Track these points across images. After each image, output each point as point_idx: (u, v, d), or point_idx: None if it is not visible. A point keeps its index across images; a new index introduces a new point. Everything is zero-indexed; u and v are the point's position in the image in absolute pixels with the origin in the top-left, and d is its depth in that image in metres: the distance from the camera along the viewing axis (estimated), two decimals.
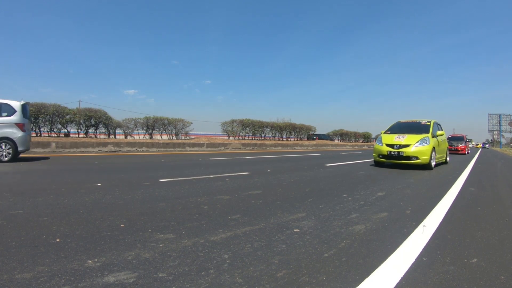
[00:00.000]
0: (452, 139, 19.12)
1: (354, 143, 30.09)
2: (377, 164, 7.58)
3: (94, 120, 14.07)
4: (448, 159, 9.12)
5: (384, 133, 7.99)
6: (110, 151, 10.61)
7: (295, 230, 2.08)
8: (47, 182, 3.67)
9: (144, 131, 16.39)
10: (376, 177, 5.19)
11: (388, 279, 1.37)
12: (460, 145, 18.17)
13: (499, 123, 57.43)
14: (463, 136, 20.10)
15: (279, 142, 20.09)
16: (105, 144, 10.87)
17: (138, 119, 16.40)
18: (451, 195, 3.61)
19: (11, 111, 6.52)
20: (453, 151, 16.96)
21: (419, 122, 8.00)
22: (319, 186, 4.05)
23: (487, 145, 58.55)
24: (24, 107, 6.75)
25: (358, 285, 1.31)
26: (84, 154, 9.04)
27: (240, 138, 19.99)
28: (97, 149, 10.45)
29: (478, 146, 58.99)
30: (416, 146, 6.80)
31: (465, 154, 17.45)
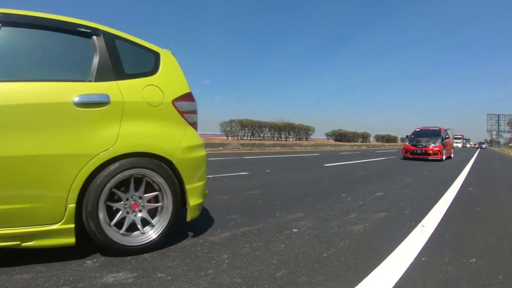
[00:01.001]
0: (419, 134, 11.41)
1: (353, 143, 30.11)
2: None
3: None
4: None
5: None
6: None
7: (294, 230, 2.08)
8: None
9: None
10: (375, 177, 5.20)
11: (387, 279, 1.37)
12: (433, 145, 10.22)
13: (498, 123, 57.59)
14: (439, 129, 11.42)
15: (278, 142, 20.09)
16: None
17: None
18: (450, 195, 3.61)
19: None
20: (419, 156, 10.28)
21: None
22: (317, 186, 4.05)
23: (484, 145, 55.57)
24: None
25: (357, 285, 1.32)
26: None
27: (239, 138, 19.99)
28: None
29: (475, 146, 58.20)
30: None
31: (441, 160, 10.09)
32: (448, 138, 11.84)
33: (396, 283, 1.34)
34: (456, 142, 55.47)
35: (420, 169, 7.11)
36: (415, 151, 10.48)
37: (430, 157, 10.09)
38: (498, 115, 57.67)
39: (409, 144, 10.86)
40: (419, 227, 2.22)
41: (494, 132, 61.58)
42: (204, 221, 2.24)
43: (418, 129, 11.95)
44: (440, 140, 10.46)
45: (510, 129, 57.32)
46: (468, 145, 62.73)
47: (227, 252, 1.65)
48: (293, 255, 1.64)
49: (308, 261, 1.56)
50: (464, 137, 63.33)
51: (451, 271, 1.49)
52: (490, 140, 68.80)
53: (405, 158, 10.75)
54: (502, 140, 60.51)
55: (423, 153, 10.26)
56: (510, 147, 57.44)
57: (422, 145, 10.43)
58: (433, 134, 11.06)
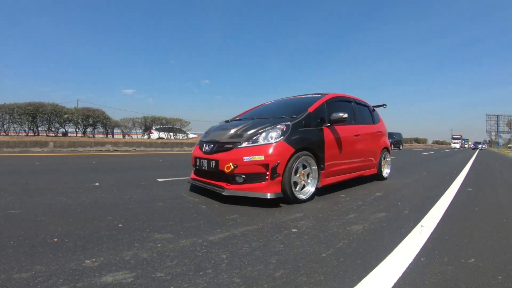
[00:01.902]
0: (253, 113, 4.02)
1: None
2: None
3: (92, 119, 14.04)
4: None
5: None
6: (108, 151, 10.57)
7: (293, 230, 2.08)
8: (45, 182, 3.65)
9: (142, 131, 16.39)
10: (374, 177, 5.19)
11: (386, 279, 1.37)
12: (247, 145, 2.77)
13: (497, 124, 57.69)
14: (319, 96, 3.69)
15: None
16: (103, 144, 10.83)
17: (136, 118, 16.43)
18: (449, 195, 3.62)
19: None
20: (202, 178, 3.15)
21: None
22: None
23: (481, 146, 49.95)
24: None
25: (356, 285, 1.32)
26: (82, 154, 9.00)
27: None
28: (95, 148, 10.41)
29: (471, 146, 56.97)
30: None
31: (274, 197, 2.65)
32: (363, 124, 4.36)
33: (395, 283, 1.34)
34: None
35: None
36: (198, 162, 3.26)
37: (225, 185, 2.80)
38: (497, 116, 57.78)
39: (198, 145, 3.54)
40: (418, 227, 2.22)
41: (493, 133, 61.71)
42: (203, 220, 2.24)
43: (269, 102, 4.53)
44: (283, 127, 2.88)
45: (509, 130, 57.39)
46: (466, 146, 62.61)
47: (226, 252, 1.65)
48: (292, 255, 1.64)
49: (307, 261, 1.57)
50: (463, 138, 63.24)
51: (450, 271, 1.50)
52: (489, 140, 68.64)
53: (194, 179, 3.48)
54: (501, 141, 60.60)
55: (211, 170, 2.97)
56: (509, 147, 57.39)
57: (214, 145, 3.06)
58: (292, 109, 3.56)
